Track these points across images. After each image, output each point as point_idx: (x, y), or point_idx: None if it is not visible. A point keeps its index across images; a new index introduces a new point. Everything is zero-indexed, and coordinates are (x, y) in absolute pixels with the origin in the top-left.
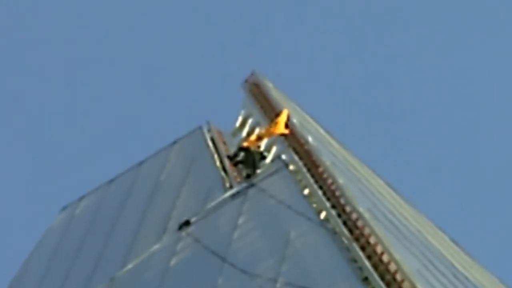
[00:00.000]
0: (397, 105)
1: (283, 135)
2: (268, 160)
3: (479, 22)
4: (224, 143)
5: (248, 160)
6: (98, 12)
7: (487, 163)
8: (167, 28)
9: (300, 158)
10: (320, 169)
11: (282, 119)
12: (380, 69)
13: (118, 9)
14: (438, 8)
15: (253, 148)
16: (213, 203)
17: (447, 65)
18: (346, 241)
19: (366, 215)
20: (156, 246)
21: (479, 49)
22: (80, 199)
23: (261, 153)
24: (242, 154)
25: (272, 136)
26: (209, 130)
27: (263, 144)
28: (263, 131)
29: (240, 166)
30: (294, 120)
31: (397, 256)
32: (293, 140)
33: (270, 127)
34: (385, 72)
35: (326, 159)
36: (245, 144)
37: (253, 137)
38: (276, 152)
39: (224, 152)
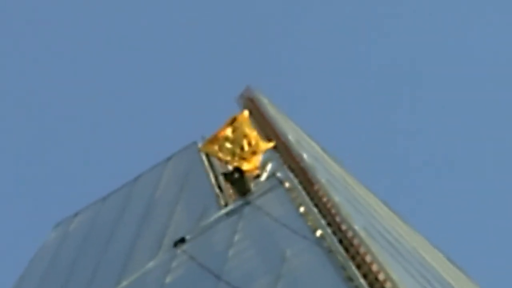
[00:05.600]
0: (394, 123)
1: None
2: (263, 178)
3: None
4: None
5: (240, 181)
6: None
7: (484, 180)
8: (163, 42)
9: (296, 176)
10: (316, 187)
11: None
12: (378, 85)
13: (112, 19)
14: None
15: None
16: (208, 221)
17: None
18: (341, 260)
19: (362, 233)
20: (150, 264)
21: None
22: (74, 215)
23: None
24: (236, 173)
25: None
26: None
27: (258, 160)
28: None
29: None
30: (290, 137)
31: (393, 275)
32: (288, 157)
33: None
34: (383, 88)
35: (321, 177)
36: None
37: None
38: (271, 169)
39: (219, 169)
